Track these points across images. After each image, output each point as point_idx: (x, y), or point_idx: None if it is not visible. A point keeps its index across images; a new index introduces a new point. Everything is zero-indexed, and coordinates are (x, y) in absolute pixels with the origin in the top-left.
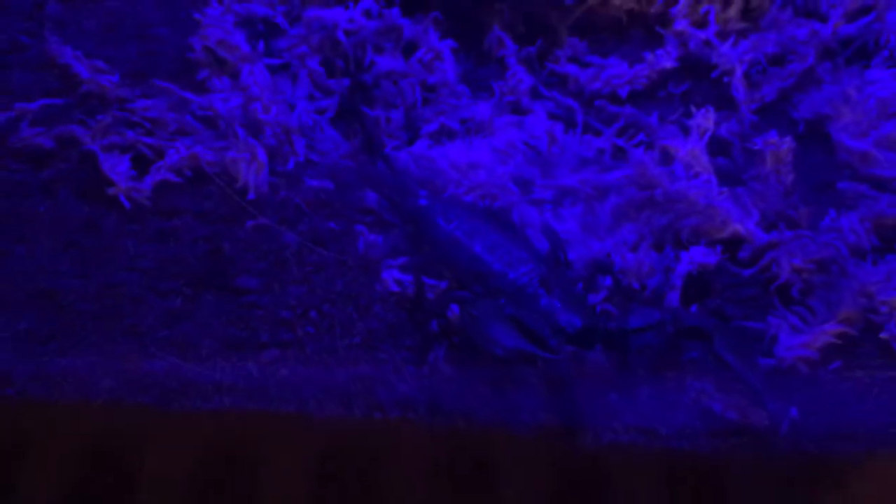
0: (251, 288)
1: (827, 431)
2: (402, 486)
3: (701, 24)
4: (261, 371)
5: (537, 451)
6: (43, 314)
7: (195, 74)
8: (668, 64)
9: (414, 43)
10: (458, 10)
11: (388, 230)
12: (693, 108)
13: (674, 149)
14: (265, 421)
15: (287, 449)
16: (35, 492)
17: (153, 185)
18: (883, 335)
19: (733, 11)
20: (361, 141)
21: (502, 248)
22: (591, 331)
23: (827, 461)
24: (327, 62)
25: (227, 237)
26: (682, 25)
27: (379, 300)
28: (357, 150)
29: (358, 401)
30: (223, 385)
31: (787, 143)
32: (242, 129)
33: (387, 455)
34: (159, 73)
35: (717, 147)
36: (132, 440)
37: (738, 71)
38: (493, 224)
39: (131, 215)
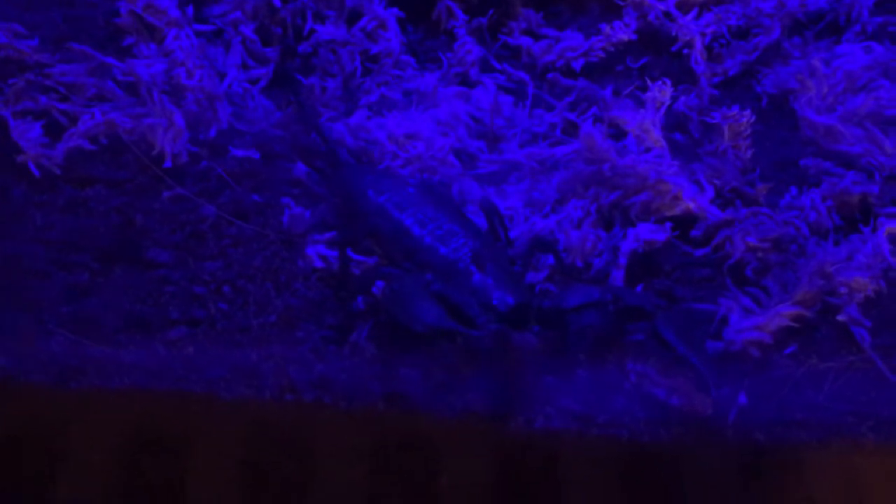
0: (163, 262)
1: (778, 419)
2: (322, 470)
3: None
4: (167, 350)
5: (464, 434)
6: None
7: (122, 40)
8: (626, 36)
9: (358, 11)
10: None
11: (317, 203)
12: (648, 81)
13: (622, 121)
14: (173, 402)
15: (200, 432)
16: None
17: (65, 152)
18: (840, 318)
19: None
20: (294, 110)
21: (434, 222)
22: (524, 309)
23: (777, 451)
24: (264, 29)
25: (140, 208)
26: None
27: (300, 276)
28: (289, 119)
29: (270, 382)
30: (125, 364)
31: (746, 117)
32: (164, 95)
33: (305, 439)
34: (84, 38)
35: (674, 121)
36: (29, 422)
37: (699, 43)
38: (428, 198)
39: (40, 184)
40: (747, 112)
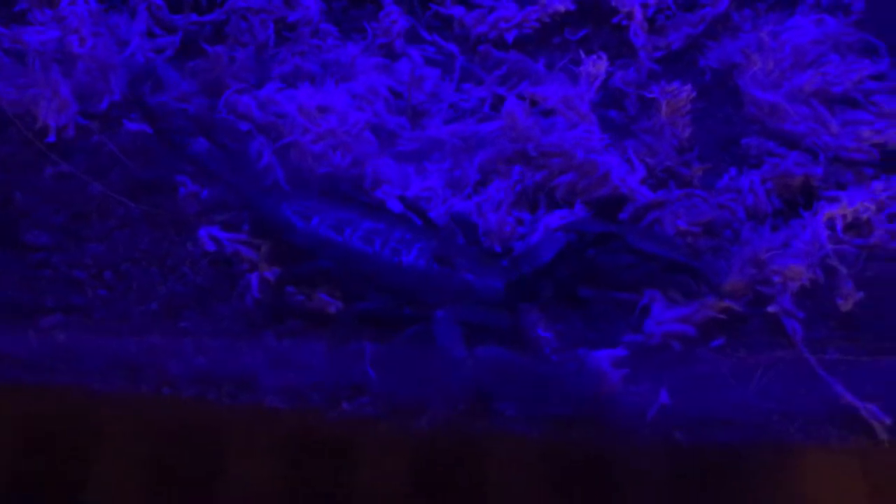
0: (42, 244)
1: (701, 417)
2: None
3: None
4: (39, 339)
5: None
6: None
7: (14, 5)
8: (563, 6)
9: None
10: None
11: (214, 182)
12: (583, 55)
13: (543, 98)
14: (45, 395)
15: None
16: None
17: None
18: (771, 309)
19: None
20: (199, 83)
21: (380, 234)
22: (515, 284)
23: (699, 452)
24: None
25: (21, 186)
26: None
27: (188, 261)
28: (194, 91)
29: (147, 374)
30: (6, 356)
31: (686, 92)
32: (54, 64)
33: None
34: None
35: (609, 97)
36: None
37: (639, 14)
38: (356, 206)
39: None
40: (687, 87)
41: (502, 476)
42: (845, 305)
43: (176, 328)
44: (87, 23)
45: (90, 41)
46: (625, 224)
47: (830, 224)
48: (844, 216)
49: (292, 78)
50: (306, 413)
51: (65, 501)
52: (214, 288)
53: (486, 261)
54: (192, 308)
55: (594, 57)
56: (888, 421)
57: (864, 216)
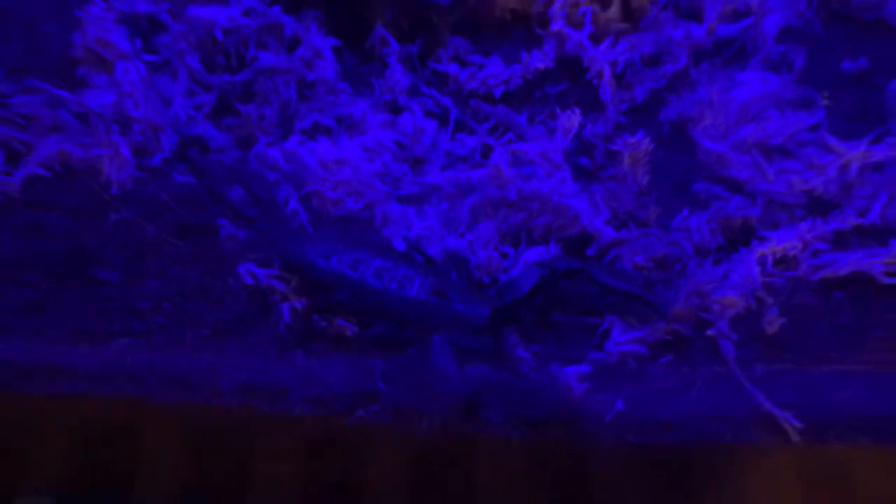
0: (109, 280)
1: (650, 421)
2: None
3: (580, 24)
4: (113, 359)
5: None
6: None
7: (76, 71)
8: (543, 64)
9: (297, 39)
10: (344, 8)
11: (250, 225)
12: (558, 110)
13: (524, 152)
14: (122, 407)
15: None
16: None
17: (23, 179)
18: (710, 332)
19: (613, 12)
20: (234, 137)
21: (388, 271)
22: (499, 312)
23: (648, 449)
24: (208, 58)
25: (90, 231)
26: (558, 26)
27: (230, 292)
28: (229, 145)
29: (199, 387)
30: (68, 370)
31: (645, 145)
32: (114, 125)
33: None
34: (42, 69)
35: (581, 147)
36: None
37: (607, 73)
38: (367, 247)
39: (0, 207)
40: (646, 140)
41: (487, 468)
42: (771, 329)
43: (222, 349)
44: (139, 87)
45: (142, 104)
46: (591, 260)
47: (762, 260)
48: (774, 253)
49: (312, 131)
50: (328, 418)
51: (121, 488)
52: (252, 315)
53: (475, 292)
54: (235, 332)
55: (569, 112)
56: (800, 425)
57: (792, 253)
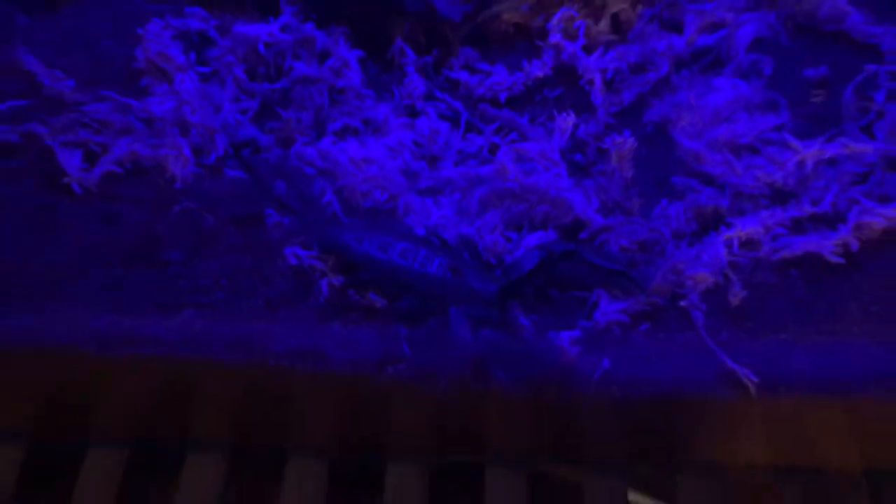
0: (175, 261)
1: (631, 378)
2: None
3: (574, 36)
4: (179, 327)
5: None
6: (10, 280)
7: (139, 81)
8: (542, 73)
9: (326, 52)
10: (368, 23)
11: (292, 214)
12: (555, 112)
13: (525, 151)
14: (186, 367)
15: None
16: None
17: (100, 175)
18: (683, 304)
19: (603, 26)
20: (276, 138)
21: (410, 251)
22: (505, 288)
23: (629, 402)
24: (251, 68)
25: (158, 220)
26: (556, 38)
27: (278, 272)
28: (272, 145)
29: (255, 350)
30: (151, 337)
31: (629, 143)
32: (174, 128)
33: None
34: (109, 79)
35: (575, 145)
36: (88, 377)
37: (598, 80)
38: (392, 232)
39: (81, 200)
40: (631, 139)
41: (495, 417)
42: (735, 301)
43: (272, 318)
44: (195, 95)
45: (198, 110)
46: (583, 243)
47: (729, 243)
48: (739, 237)
49: (342, 133)
50: (362, 377)
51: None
52: (297, 291)
53: (485, 271)
54: (283, 305)
55: (564, 114)
56: (757, 380)
57: (755, 237)
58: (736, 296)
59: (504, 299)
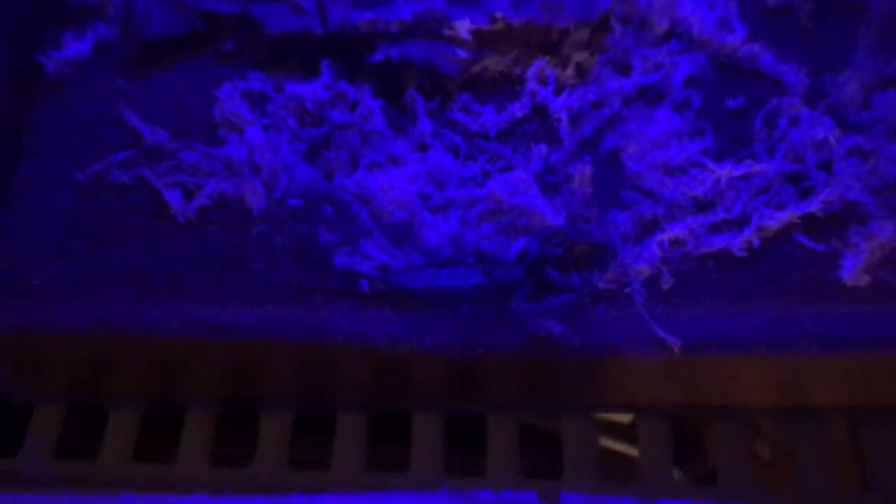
0: (257, 269)
1: (587, 343)
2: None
3: (546, 82)
4: (261, 316)
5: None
6: (137, 285)
7: (217, 132)
8: (521, 112)
9: (356, 102)
10: (386, 78)
11: (339, 229)
12: (532, 144)
13: (509, 175)
14: (267, 345)
15: (275, 358)
16: None
17: (196, 208)
18: (627, 290)
19: (569, 72)
20: (322, 172)
21: (452, 273)
22: (528, 270)
23: (583, 361)
24: (300, 118)
25: (242, 239)
26: (532, 85)
27: (331, 273)
28: (319, 178)
29: (316, 331)
30: (241, 324)
31: (588, 169)
32: (249, 170)
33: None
34: (194, 131)
35: (547, 169)
36: (188, 358)
37: (564, 117)
38: (428, 258)
39: (184, 227)
40: (589, 165)
41: (498, 374)
42: (665, 287)
43: (329, 308)
44: (261, 142)
45: (265, 154)
46: (572, 227)
47: (661, 244)
48: (670, 238)
49: (371, 166)
50: (395, 350)
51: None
52: (345, 285)
53: (503, 267)
54: (336, 296)
55: (539, 145)
56: (680, 344)
57: (682, 238)
58: (666, 283)
59: (531, 275)
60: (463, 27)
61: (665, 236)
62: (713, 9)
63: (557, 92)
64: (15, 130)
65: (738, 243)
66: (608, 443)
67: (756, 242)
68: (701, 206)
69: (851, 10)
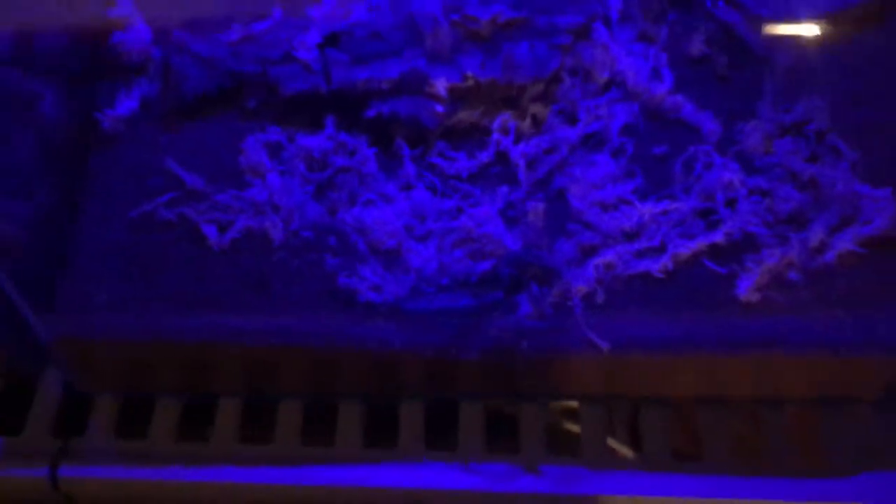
0: (277, 288)
1: (539, 345)
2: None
3: (507, 132)
4: (280, 325)
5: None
6: (180, 302)
7: (243, 178)
8: (488, 158)
9: (354, 150)
10: (378, 130)
11: (344, 255)
12: (496, 185)
13: (477, 211)
14: (284, 349)
15: (290, 359)
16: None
17: (229, 240)
18: (569, 304)
19: (526, 123)
20: (327, 209)
21: (448, 297)
22: (506, 292)
23: (538, 359)
24: (309, 164)
25: (265, 264)
26: (496, 136)
27: (336, 292)
28: (325, 213)
29: (323, 338)
30: (263, 331)
31: (541, 207)
32: (270, 209)
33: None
34: (225, 177)
35: (508, 206)
36: (220, 359)
37: (522, 163)
38: (428, 286)
39: (219, 255)
40: (541, 204)
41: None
42: (600, 301)
43: (338, 318)
44: (279, 186)
45: (283, 196)
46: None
47: (597, 267)
48: (604, 263)
49: (367, 203)
50: (397, 353)
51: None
52: (349, 301)
53: (485, 286)
54: (342, 309)
55: (502, 186)
56: (607, 345)
57: (613, 262)
58: (600, 298)
59: (508, 295)
60: (441, 85)
61: (600, 261)
62: (647, 59)
63: (517, 141)
64: (79, 177)
65: (657, 267)
66: (569, 425)
67: (671, 266)
68: (628, 236)
69: (759, 62)
